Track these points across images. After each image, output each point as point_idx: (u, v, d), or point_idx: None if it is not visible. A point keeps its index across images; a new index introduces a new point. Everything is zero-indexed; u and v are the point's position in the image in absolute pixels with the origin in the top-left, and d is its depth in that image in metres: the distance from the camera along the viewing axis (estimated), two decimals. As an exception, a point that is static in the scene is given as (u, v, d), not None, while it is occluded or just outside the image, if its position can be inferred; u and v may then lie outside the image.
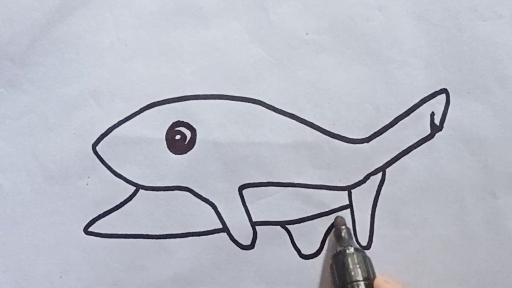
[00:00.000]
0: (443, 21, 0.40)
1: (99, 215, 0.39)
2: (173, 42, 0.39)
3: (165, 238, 0.39)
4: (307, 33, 0.40)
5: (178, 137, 0.40)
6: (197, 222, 0.39)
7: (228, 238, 0.40)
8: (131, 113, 0.39)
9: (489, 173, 0.40)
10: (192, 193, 0.39)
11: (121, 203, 0.39)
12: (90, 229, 0.39)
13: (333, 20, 0.40)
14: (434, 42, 0.40)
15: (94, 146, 0.39)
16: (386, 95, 0.40)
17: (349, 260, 0.37)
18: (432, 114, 0.40)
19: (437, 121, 0.40)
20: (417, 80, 0.40)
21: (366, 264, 0.38)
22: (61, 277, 0.39)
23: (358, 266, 0.37)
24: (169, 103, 0.40)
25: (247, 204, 0.40)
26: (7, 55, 0.39)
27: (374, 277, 0.38)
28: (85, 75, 0.39)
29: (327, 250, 0.40)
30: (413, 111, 0.40)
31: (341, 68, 0.40)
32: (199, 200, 0.39)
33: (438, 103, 0.40)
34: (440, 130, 0.40)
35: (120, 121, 0.39)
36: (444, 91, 0.40)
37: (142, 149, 0.39)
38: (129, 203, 0.40)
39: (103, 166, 0.39)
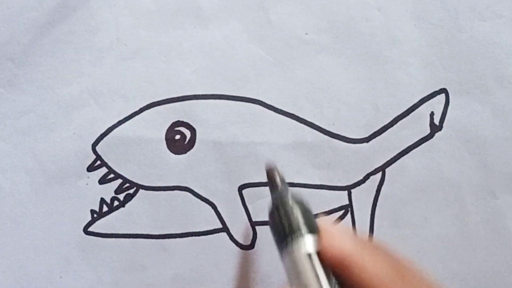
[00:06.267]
0: (442, 21, 0.40)
1: (99, 215, 0.39)
2: (173, 42, 0.39)
3: (165, 238, 0.39)
4: (306, 33, 0.40)
5: (178, 137, 0.40)
6: (197, 222, 0.39)
7: (228, 238, 0.40)
8: (131, 113, 0.39)
9: (489, 173, 0.40)
10: (192, 193, 0.39)
11: (121, 203, 0.40)
12: (90, 229, 0.39)
13: (333, 20, 0.40)
14: (434, 42, 0.40)
15: (94, 146, 0.39)
16: (385, 95, 0.40)
17: (291, 210, 0.32)
18: (432, 114, 0.40)
19: (436, 121, 0.40)
20: (417, 80, 0.40)
21: (309, 211, 0.32)
22: (61, 277, 0.39)
23: (302, 214, 0.31)
24: (168, 103, 0.40)
25: (247, 204, 0.40)
26: (6, 55, 0.39)
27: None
28: (84, 75, 0.39)
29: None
30: (412, 111, 0.40)
31: (340, 68, 0.40)
32: (199, 200, 0.39)
33: (437, 103, 0.40)
34: (440, 130, 0.40)
35: (120, 121, 0.39)
36: (444, 91, 0.40)
37: (142, 149, 0.39)
38: (129, 203, 0.40)
39: (103, 166, 0.39)
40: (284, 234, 0.31)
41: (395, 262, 0.30)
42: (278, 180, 0.35)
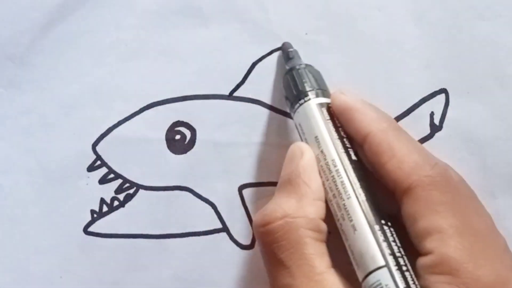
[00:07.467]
0: (442, 21, 0.40)
1: (99, 215, 0.39)
2: (173, 42, 0.39)
3: (165, 238, 0.39)
4: (306, 33, 0.40)
5: (178, 137, 0.40)
6: (197, 222, 0.39)
7: (228, 238, 0.40)
8: (131, 113, 0.40)
9: (488, 173, 0.40)
10: (192, 193, 0.39)
11: (121, 203, 0.40)
12: (90, 229, 0.39)
13: (333, 20, 0.40)
14: (434, 42, 0.40)
15: (94, 146, 0.39)
16: (385, 95, 0.40)
17: (303, 73, 0.37)
18: (432, 114, 0.40)
19: (436, 121, 0.40)
20: (417, 80, 0.40)
21: (320, 77, 0.37)
22: (61, 277, 0.39)
23: (313, 77, 0.36)
24: (169, 103, 0.40)
25: (247, 204, 0.40)
26: (7, 55, 0.39)
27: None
28: (85, 75, 0.39)
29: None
30: (412, 111, 0.40)
31: (340, 68, 0.40)
32: (199, 200, 0.39)
33: (437, 103, 0.40)
34: (440, 130, 0.40)
35: (120, 121, 0.39)
36: (444, 91, 0.40)
37: (142, 149, 0.39)
38: (129, 203, 0.40)
39: (103, 166, 0.39)
40: (298, 92, 0.36)
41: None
42: (292, 50, 0.38)
